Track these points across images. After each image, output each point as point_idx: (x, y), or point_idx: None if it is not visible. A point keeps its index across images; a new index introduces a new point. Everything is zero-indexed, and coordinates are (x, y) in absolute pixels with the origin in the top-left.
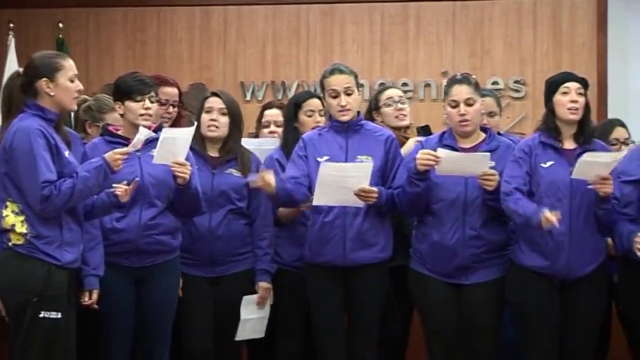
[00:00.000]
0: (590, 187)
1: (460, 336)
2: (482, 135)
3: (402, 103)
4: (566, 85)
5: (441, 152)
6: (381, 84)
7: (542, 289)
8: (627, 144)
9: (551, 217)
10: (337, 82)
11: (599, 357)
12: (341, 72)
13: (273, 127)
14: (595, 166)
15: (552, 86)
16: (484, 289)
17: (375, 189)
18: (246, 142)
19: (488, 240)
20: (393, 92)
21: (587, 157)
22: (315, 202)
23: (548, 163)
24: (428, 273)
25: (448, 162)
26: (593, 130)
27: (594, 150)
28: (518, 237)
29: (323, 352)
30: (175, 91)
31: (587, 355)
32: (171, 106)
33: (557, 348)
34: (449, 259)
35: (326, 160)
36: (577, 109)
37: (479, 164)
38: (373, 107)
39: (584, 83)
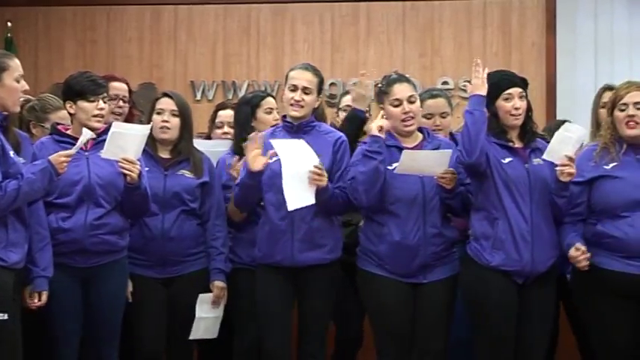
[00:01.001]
0: (557, 168)
1: (411, 336)
2: (420, 135)
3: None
4: (509, 91)
5: (405, 152)
6: (332, 83)
7: (503, 289)
8: None
9: None
10: (299, 76)
11: (548, 356)
12: (306, 69)
13: (226, 128)
14: (568, 143)
15: (494, 91)
16: (440, 287)
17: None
18: (199, 144)
19: (447, 237)
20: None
21: (563, 130)
22: (290, 208)
23: (507, 160)
24: (384, 274)
25: (410, 160)
26: (535, 130)
27: (539, 149)
28: (480, 236)
29: (268, 352)
30: (124, 86)
31: (539, 354)
32: (121, 101)
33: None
34: (411, 258)
35: (276, 161)
36: (520, 114)
37: (440, 162)
38: (337, 106)
39: (524, 85)
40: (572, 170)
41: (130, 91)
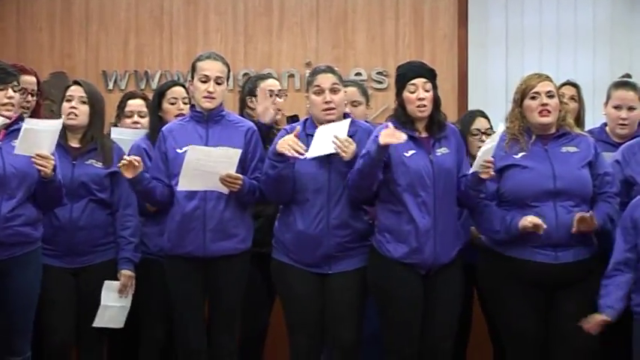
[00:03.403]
0: (473, 170)
1: (323, 326)
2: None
3: (279, 97)
4: (413, 82)
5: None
6: (245, 74)
7: (407, 279)
8: (488, 134)
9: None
10: (210, 67)
11: (461, 345)
12: (216, 59)
13: (136, 118)
14: (490, 151)
15: (400, 81)
16: (347, 278)
17: (240, 176)
18: (119, 133)
19: (353, 229)
20: (273, 84)
21: (484, 146)
22: (179, 188)
23: (410, 152)
24: (291, 263)
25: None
26: (443, 120)
27: (445, 137)
28: (383, 229)
29: (183, 343)
30: (34, 79)
31: (446, 342)
32: (29, 95)
33: (420, 336)
34: (314, 248)
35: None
36: (425, 105)
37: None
38: (247, 92)
39: (431, 75)
40: (491, 172)
41: (39, 83)
